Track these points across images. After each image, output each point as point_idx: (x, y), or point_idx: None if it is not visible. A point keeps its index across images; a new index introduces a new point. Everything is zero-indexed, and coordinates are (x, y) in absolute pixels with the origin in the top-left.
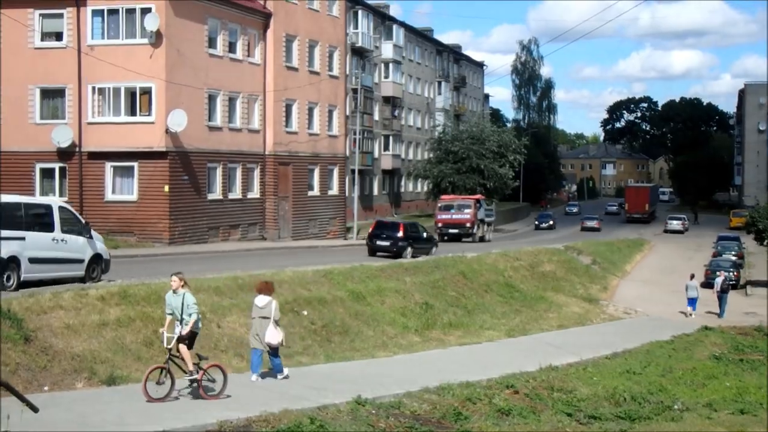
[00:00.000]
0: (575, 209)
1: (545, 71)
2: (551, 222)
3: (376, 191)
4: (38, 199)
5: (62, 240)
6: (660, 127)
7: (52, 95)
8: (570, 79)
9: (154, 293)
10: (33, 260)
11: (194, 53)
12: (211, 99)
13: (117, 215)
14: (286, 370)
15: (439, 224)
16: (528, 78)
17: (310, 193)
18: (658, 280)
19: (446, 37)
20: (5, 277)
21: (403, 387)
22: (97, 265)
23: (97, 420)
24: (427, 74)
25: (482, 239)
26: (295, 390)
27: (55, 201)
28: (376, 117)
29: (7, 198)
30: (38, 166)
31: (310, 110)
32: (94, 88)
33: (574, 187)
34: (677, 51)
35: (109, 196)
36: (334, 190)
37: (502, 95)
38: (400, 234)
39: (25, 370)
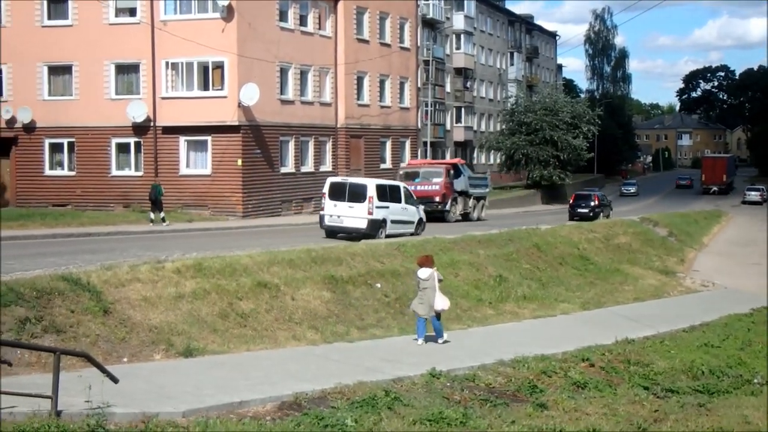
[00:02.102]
0: (632, 189)
1: (619, 41)
2: (634, 189)
3: None
4: (395, 182)
5: (404, 208)
6: (737, 97)
7: (126, 71)
8: (644, 49)
9: (229, 266)
10: (393, 221)
11: (265, 27)
12: (283, 72)
13: (191, 189)
14: (445, 335)
15: None
16: (601, 48)
17: (382, 166)
18: (736, 253)
19: (518, 8)
20: (380, 231)
21: (477, 360)
22: (419, 225)
23: (176, 391)
24: (498, 45)
25: (466, 217)
26: (370, 362)
27: (401, 184)
28: (448, 89)
29: (391, 182)
30: (114, 140)
31: (382, 83)
32: (167, 63)
33: (649, 158)
34: (755, 19)
35: (184, 170)
36: (406, 163)
37: (575, 65)
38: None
39: (105, 342)
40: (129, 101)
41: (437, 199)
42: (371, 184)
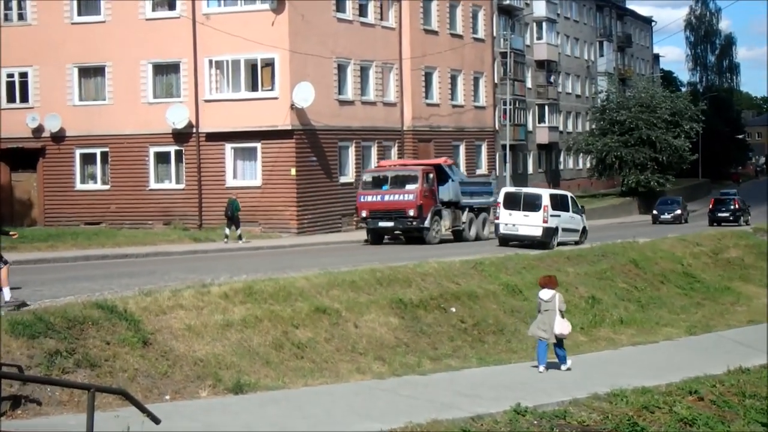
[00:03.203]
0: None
1: (724, 25)
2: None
3: (531, 169)
4: (562, 191)
5: (572, 217)
6: None
7: (165, 71)
8: (753, 35)
9: (283, 289)
10: (563, 229)
11: (321, 19)
12: (341, 69)
13: (239, 203)
14: (569, 361)
15: (363, 212)
16: (704, 34)
17: None
18: None
19: None
20: (552, 238)
21: (568, 393)
22: (583, 233)
23: None
24: (586, 33)
25: (459, 236)
26: (445, 397)
27: (568, 193)
28: (529, 84)
29: (561, 192)
30: (152, 149)
31: (453, 78)
32: (210, 61)
33: (762, 159)
34: None
35: (230, 181)
36: (483, 169)
37: (674, 55)
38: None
39: (145, 377)
40: (168, 105)
41: (411, 212)
42: (545, 193)
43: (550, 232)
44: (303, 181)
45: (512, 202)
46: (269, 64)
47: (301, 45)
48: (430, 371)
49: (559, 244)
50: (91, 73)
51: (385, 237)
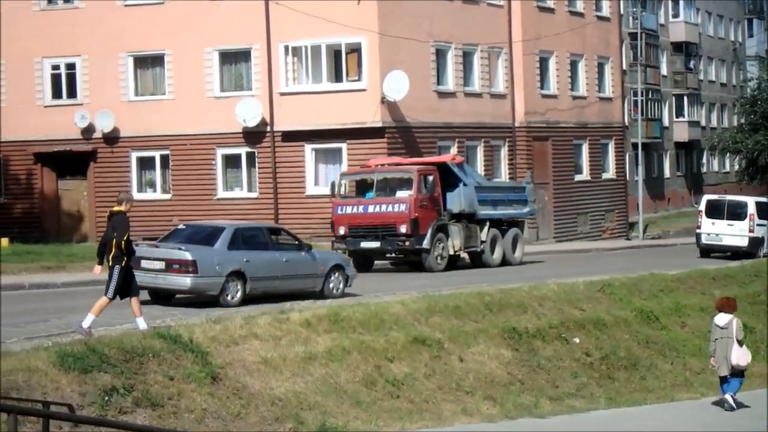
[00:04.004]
0: None
1: None
2: None
3: (667, 172)
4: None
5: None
6: None
7: (234, 59)
8: None
9: (375, 316)
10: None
11: None
12: (440, 55)
13: (321, 214)
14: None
15: (340, 228)
16: None
17: (577, 177)
18: None
19: None
20: (759, 249)
21: None
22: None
23: None
24: (731, 10)
25: (477, 260)
26: None
27: (752, 198)
28: (664, 71)
29: (759, 198)
30: (220, 152)
31: (573, 65)
32: (286, 47)
33: None
34: None
35: (311, 188)
36: (610, 173)
37: None
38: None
39: (214, 419)
40: (238, 99)
41: (402, 228)
42: (751, 201)
43: (756, 242)
44: None
45: (715, 211)
46: (355, 50)
47: (392, 27)
48: (550, 413)
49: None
50: (148, 63)
51: (377, 261)
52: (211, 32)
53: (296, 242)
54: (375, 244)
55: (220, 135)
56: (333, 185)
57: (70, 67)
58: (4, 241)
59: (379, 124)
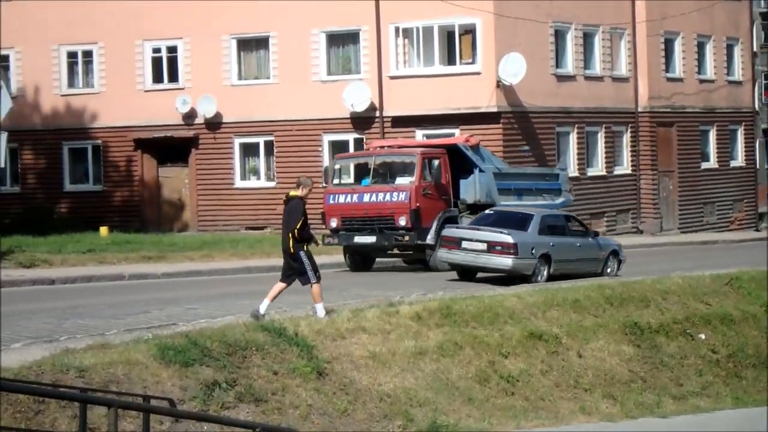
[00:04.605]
0: None
1: None
2: None
3: None
4: None
5: None
6: None
7: (341, 41)
8: None
9: (488, 310)
10: None
11: None
12: (559, 37)
13: None
14: None
15: (332, 221)
16: None
17: (703, 165)
18: None
19: None
20: None
21: None
22: None
23: None
24: None
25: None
26: None
27: None
28: None
29: None
30: (326, 138)
31: (700, 47)
32: (397, 29)
33: None
34: None
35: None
36: (739, 160)
37: None
38: None
39: (320, 415)
40: (346, 83)
41: (401, 221)
42: None
43: None
44: None
45: None
46: (469, 31)
47: (508, 7)
48: (673, 413)
49: None
50: (252, 45)
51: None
52: (318, 13)
53: (584, 229)
54: (370, 239)
55: (327, 120)
56: (326, 171)
57: (172, 50)
58: (103, 230)
59: (495, 109)
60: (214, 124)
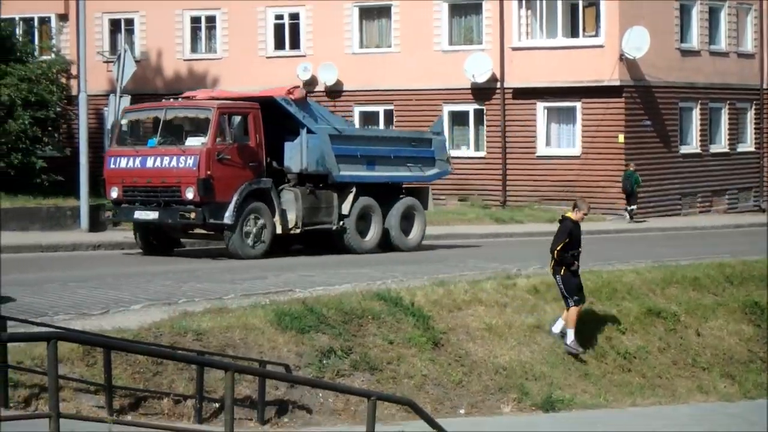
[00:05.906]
0: None
1: None
2: None
3: None
4: None
5: None
6: None
7: (464, 12)
8: None
9: (606, 285)
10: None
11: None
12: (684, 11)
13: (552, 176)
14: None
15: (113, 191)
16: None
17: None
18: None
19: None
20: None
21: None
22: None
23: None
24: None
25: (338, 242)
26: None
27: None
28: None
29: None
30: (446, 108)
31: None
32: (520, 0)
33: None
34: None
35: (542, 149)
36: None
37: None
38: None
39: (435, 386)
40: (467, 54)
41: (189, 194)
42: None
43: None
44: (633, 150)
45: None
46: (593, 3)
47: None
48: None
49: None
50: (374, 14)
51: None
52: None
53: None
54: (153, 215)
55: (447, 90)
56: (112, 127)
57: (294, 17)
58: None
59: (617, 83)
60: (334, 92)
